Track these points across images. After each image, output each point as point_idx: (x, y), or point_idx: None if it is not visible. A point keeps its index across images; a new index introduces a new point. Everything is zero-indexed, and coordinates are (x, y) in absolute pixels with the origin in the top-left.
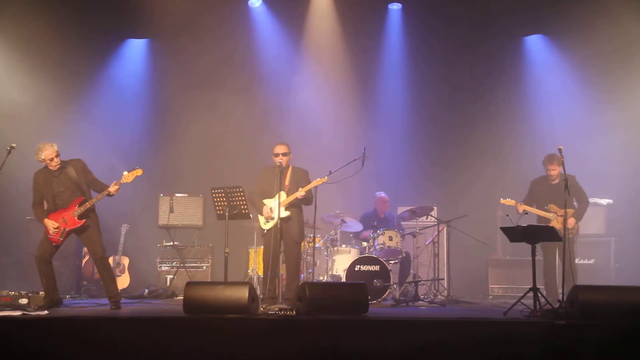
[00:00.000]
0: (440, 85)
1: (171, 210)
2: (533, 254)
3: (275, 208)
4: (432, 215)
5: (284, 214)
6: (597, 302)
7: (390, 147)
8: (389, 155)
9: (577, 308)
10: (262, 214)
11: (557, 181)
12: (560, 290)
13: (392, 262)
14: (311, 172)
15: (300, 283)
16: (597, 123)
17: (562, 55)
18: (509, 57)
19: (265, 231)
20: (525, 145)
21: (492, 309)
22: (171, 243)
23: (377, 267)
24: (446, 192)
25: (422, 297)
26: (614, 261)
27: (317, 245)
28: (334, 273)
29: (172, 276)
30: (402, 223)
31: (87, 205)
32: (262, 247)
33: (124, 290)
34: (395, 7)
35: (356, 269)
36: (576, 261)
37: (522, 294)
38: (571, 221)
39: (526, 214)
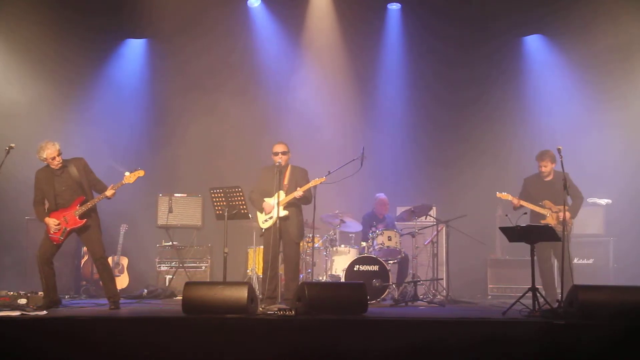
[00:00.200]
0: (439, 85)
1: (170, 210)
2: (532, 254)
3: (274, 207)
4: (431, 215)
5: (283, 213)
6: (596, 302)
7: (389, 147)
8: (388, 155)
9: (576, 308)
10: (261, 211)
11: (550, 178)
12: (558, 290)
13: (391, 262)
14: (310, 172)
15: (299, 283)
16: (596, 123)
17: (561, 55)
18: (508, 57)
19: (263, 230)
20: (525, 145)
21: (491, 308)
22: (170, 243)
23: (376, 267)
24: (445, 192)
25: (421, 297)
26: (612, 261)
27: (316, 245)
28: (333, 273)
29: (171, 276)
30: (402, 223)
31: (89, 205)
32: (261, 247)
33: (122, 290)
34: (394, 7)
35: (355, 269)
36: (575, 261)
37: (521, 294)
38: (566, 215)
39: (524, 213)
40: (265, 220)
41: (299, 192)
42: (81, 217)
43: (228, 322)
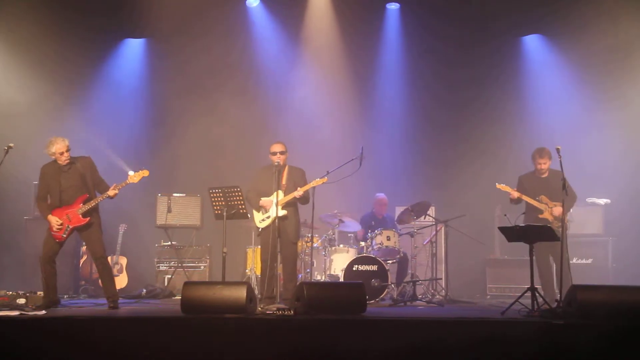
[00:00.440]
0: (438, 84)
1: (169, 210)
2: (531, 254)
3: (273, 206)
4: (430, 215)
5: (281, 212)
6: (595, 301)
7: (388, 147)
8: (387, 155)
9: (575, 308)
10: (259, 210)
11: (546, 175)
12: (557, 290)
13: (390, 261)
14: (309, 172)
15: (297, 283)
16: (596, 123)
17: (560, 55)
18: (507, 57)
19: (260, 229)
20: (524, 145)
21: (489, 308)
22: (169, 243)
23: (375, 267)
24: (444, 192)
25: (420, 296)
26: (611, 261)
27: (315, 245)
28: (332, 273)
29: (170, 276)
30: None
31: (92, 203)
32: (260, 246)
33: (121, 290)
34: (393, 6)
35: (354, 268)
36: (574, 261)
37: (520, 294)
38: (558, 209)
39: (522, 213)
40: (262, 220)
41: (299, 192)
42: (84, 215)
43: (227, 322)
